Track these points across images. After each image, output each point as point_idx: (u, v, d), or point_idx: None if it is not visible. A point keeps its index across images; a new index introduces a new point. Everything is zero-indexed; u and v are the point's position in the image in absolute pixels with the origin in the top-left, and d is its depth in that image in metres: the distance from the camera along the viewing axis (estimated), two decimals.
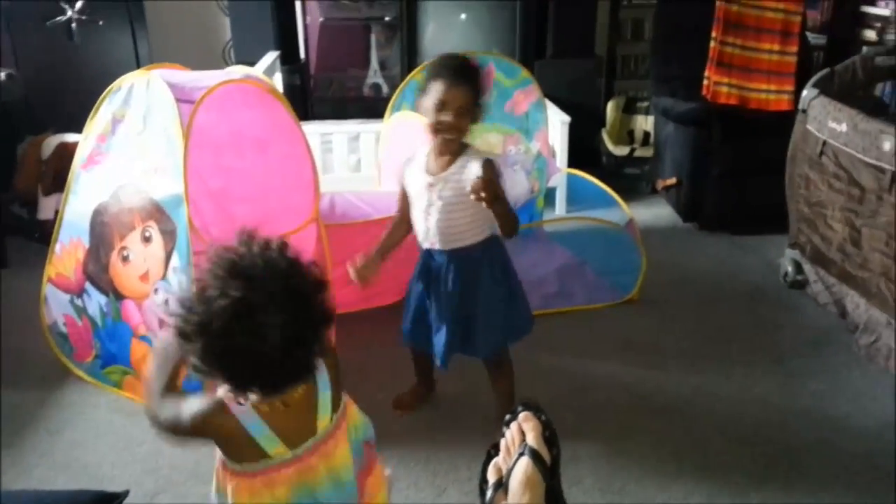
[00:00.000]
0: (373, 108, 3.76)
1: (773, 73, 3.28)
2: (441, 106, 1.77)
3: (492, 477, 1.14)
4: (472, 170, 1.79)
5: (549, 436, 1.10)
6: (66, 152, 2.68)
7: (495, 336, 1.94)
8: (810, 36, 3.57)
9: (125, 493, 1.52)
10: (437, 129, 1.80)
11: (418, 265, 1.97)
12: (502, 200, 1.76)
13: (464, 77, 1.80)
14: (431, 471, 1.90)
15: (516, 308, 1.95)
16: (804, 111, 2.70)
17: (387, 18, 4.01)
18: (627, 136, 4.12)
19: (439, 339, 1.92)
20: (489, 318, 1.90)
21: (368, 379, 2.28)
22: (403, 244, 2.53)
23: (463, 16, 4.01)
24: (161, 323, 2.04)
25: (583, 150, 3.68)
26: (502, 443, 1.16)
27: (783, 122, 2.88)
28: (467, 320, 1.90)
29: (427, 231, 1.89)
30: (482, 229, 1.88)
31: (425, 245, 1.92)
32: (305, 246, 2.21)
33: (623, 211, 2.98)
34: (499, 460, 1.15)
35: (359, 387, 2.23)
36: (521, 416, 1.14)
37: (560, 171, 3.44)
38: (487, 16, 4.01)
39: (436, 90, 1.78)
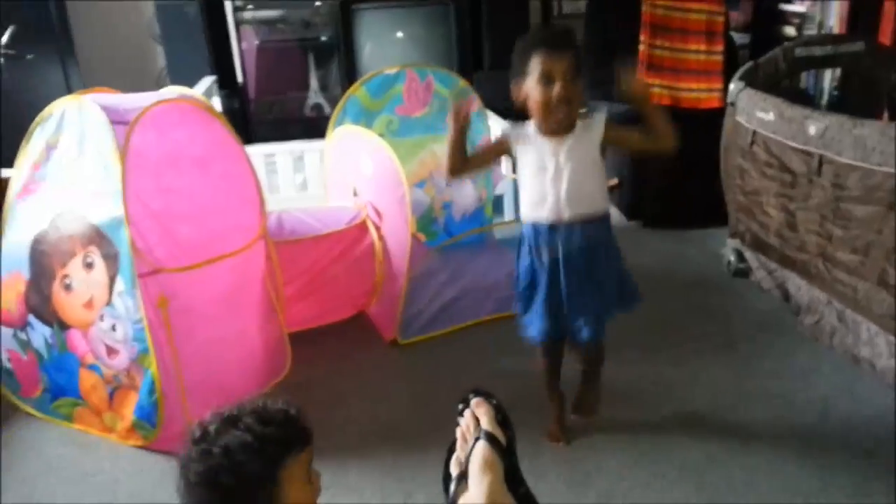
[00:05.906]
0: (315, 127, 3.74)
1: (702, 73, 3.39)
2: (548, 78, 1.65)
3: (454, 471, 1.15)
4: (598, 124, 1.75)
5: (502, 418, 1.12)
6: None
7: (610, 310, 1.84)
8: (734, 35, 3.70)
9: None
10: (550, 105, 1.66)
11: (531, 254, 1.82)
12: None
13: (564, 41, 1.69)
14: (397, 476, 1.89)
15: (629, 280, 1.87)
16: (733, 104, 2.80)
17: (323, 39, 4.03)
18: None
19: (582, 313, 1.78)
20: (609, 291, 1.81)
21: (324, 395, 2.26)
22: (354, 261, 2.53)
23: (399, 33, 4.05)
24: (109, 350, 2.00)
25: None
26: (458, 432, 1.17)
27: (715, 119, 2.97)
28: (591, 294, 1.78)
29: (556, 200, 1.74)
30: (605, 197, 1.80)
31: (549, 219, 1.76)
32: (254, 264, 2.19)
33: None
34: (459, 453, 1.16)
35: (316, 405, 2.22)
36: (473, 402, 1.16)
37: (505, 178, 3.48)
38: (423, 32, 4.06)
39: (537, 63, 1.65)
